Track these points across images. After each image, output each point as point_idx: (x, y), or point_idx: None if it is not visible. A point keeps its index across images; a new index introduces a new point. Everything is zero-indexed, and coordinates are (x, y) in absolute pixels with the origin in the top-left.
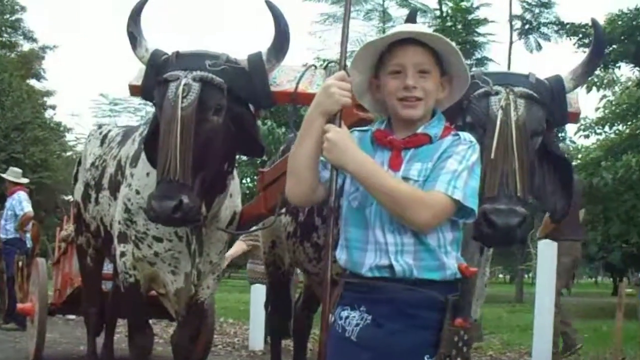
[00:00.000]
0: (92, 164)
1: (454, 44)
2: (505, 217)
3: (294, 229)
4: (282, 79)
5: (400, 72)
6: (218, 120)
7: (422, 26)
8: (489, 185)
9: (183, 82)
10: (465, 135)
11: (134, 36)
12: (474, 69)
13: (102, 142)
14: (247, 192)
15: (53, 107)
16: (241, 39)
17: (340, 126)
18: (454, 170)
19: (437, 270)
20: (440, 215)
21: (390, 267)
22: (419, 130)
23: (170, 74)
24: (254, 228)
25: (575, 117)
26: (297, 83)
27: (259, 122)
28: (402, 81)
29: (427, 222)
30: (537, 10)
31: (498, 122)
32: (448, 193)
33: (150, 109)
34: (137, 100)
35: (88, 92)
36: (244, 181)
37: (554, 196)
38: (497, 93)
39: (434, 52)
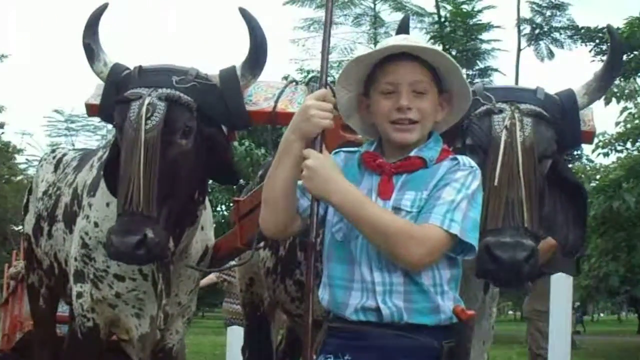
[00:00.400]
0: (45, 193)
1: (453, 60)
2: (511, 251)
3: (273, 264)
4: (259, 96)
5: (393, 92)
6: (187, 143)
7: (418, 39)
8: (492, 215)
9: (147, 101)
10: (465, 160)
11: (91, 48)
12: (476, 80)
13: (56, 168)
14: (222, 220)
15: (1, 125)
16: (213, 52)
17: (321, 150)
18: (451, 200)
19: (431, 314)
20: (434, 253)
21: (377, 309)
22: (413, 153)
23: (132, 91)
24: (229, 264)
25: (589, 137)
26: (276, 101)
27: (235, 143)
28: (396, 101)
29: (419, 260)
30: (548, 13)
31: (502, 144)
32: (444, 227)
33: (112, 127)
34: (96, 118)
35: (41, 108)
36: (217, 209)
37: (566, 227)
38: (500, 111)
39: (432, 68)
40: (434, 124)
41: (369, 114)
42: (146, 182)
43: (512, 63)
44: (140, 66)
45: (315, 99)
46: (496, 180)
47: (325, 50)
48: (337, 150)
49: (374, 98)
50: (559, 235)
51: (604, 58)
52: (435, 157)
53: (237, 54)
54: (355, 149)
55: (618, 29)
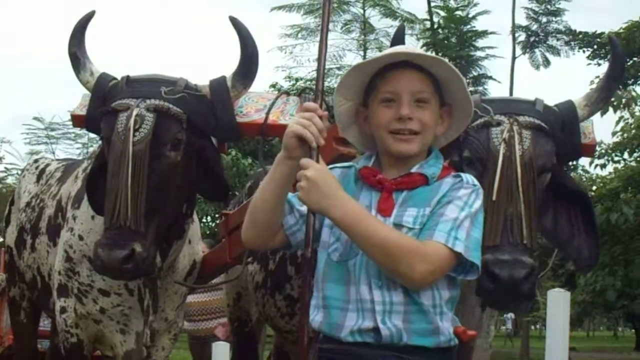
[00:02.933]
0: (28, 204)
1: (457, 70)
2: (510, 268)
3: (262, 278)
4: (250, 108)
5: (393, 101)
6: (176, 156)
7: (418, 48)
8: (490, 231)
9: (135, 112)
10: (468, 178)
11: (77, 58)
12: (470, 88)
13: (39, 178)
14: (208, 232)
15: None
16: (203, 61)
17: (318, 161)
18: (454, 218)
19: (430, 336)
20: (438, 271)
21: (376, 330)
22: (414, 170)
23: (119, 102)
24: (215, 281)
25: (590, 150)
26: (267, 113)
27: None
28: (396, 111)
29: (423, 278)
30: (544, 20)
31: (500, 158)
32: (448, 244)
33: (94, 135)
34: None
35: (20, 114)
36: (203, 220)
37: (577, 240)
38: (498, 124)
39: (434, 78)
40: (434, 138)
41: (367, 125)
42: (134, 196)
43: (507, 71)
44: (127, 76)
45: (305, 109)
46: (494, 195)
47: (322, 55)
48: (332, 166)
49: (373, 108)
50: (571, 250)
51: (601, 62)
52: (437, 174)
53: (228, 63)
54: (350, 163)
55: (618, 34)
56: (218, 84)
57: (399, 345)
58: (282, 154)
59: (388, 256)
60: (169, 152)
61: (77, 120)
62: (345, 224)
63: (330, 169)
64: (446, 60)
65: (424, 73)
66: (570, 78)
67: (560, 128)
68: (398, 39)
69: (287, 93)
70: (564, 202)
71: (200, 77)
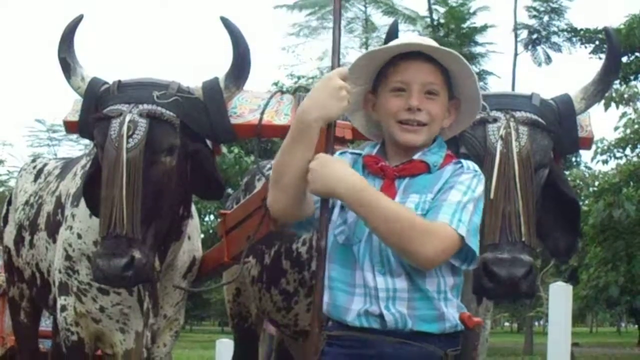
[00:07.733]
0: (26, 202)
1: (469, 65)
2: (509, 267)
3: (258, 272)
4: (244, 108)
5: (404, 90)
6: (170, 161)
7: (431, 40)
8: (489, 230)
9: (127, 118)
10: (469, 164)
11: (67, 63)
12: None
13: (37, 177)
14: (210, 230)
15: None
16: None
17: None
18: (457, 201)
19: (435, 322)
20: (447, 251)
21: (381, 316)
22: (416, 157)
23: (111, 108)
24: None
25: (587, 143)
26: (262, 113)
27: (224, 150)
28: (406, 101)
29: (434, 257)
30: (546, 18)
31: (497, 155)
32: (453, 226)
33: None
34: None
35: (22, 117)
36: (205, 219)
37: (555, 232)
38: (495, 120)
39: (445, 70)
40: (440, 129)
41: (374, 112)
42: (129, 204)
43: (508, 66)
44: (119, 81)
45: (340, 77)
46: (492, 193)
47: (337, 21)
48: (342, 150)
49: (382, 95)
50: (549, 241)
51: (603, 57)
52: (439, 162)
53: (221, 63)
54: (359, 151)
55: (618, 30)
56: (211, 86)
57: (404, 332)
58: (317, 116)
59: (399, 235)
60: (164, 158)
61: (69, 126)
62: (352, 200)
63: (341, 153)
64: (458, 54)
65: (436, 65)
66: (573, 73)
67: (557, 122)
68: (392, 34)
69: (281, 92)
70: (553, 198)
71: (201, 78)
